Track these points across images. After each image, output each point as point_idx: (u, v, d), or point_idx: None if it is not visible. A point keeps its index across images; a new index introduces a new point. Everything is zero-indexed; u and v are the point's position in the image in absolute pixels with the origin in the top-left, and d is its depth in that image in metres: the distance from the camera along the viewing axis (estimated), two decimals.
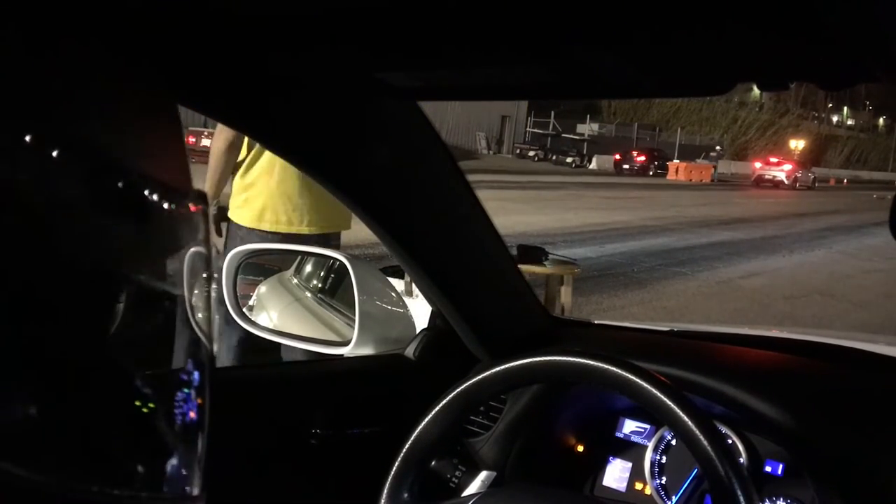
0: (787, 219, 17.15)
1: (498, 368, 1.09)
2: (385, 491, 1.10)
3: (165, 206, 0.37)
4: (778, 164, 35.33)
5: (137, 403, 0.37)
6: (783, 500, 1.16)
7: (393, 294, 1.58)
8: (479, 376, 1.10)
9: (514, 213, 12.28)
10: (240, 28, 0.49)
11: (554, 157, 35.73)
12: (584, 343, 1.42)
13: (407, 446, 1.11)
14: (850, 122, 68.41)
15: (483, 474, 1.22)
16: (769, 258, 10.68)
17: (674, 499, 1.26)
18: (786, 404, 1.12)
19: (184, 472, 0.38)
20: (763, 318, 6.73)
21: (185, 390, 0.39)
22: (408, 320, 1.53)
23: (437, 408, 1.11)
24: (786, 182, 33.76)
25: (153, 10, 0.40)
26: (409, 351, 1.44)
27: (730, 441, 1.19)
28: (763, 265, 10.00)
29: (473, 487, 1.20)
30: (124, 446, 0.37)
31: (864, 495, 1.06)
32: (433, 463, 1.16)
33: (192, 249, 0.39)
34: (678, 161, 35.59)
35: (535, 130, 41.10)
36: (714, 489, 0.93)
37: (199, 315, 0.40)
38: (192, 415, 0.38)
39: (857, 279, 9.54)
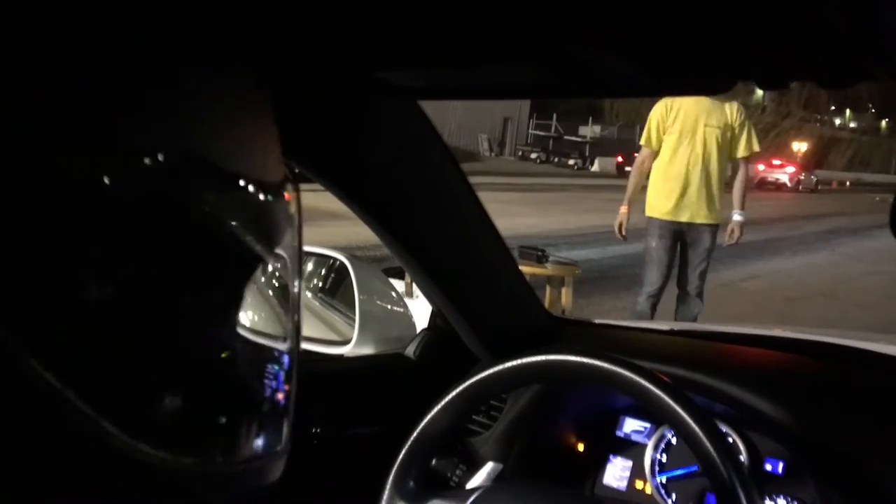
0: (790, 221, 17.12)
1: (500, 367, 1.08)
2: (388, 483, 1.10)
3: (261, 197, 0.40)
4: (780, 166, 35.27)
5: (248, 383, 0.42)
6: (784, 499, 1.16)
7: (393, 294, 1.58)
8: (482, 374, 1.10)
9: (516, 215, 12.26)
10: (239, 28, 0.49)
11: (556, 160, 35.71)
12: (584, 342, 1.42)
13: (410, 441, 1.11)
14: (852, 124, 68.27)
15: (490, 465, 1.22)
16: (771, 260, 10.66)
17: (674, 497, 1.26)
18: (786, 403, 1.12)
19: (276, 434, 0.44)
20: (764, 320, 6.71)
21: (277, 367, 0.44)
22: (408, 320, 1.53)
23: (439, 406, 1.11)
24: (788, 184, 33.69)
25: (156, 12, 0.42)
26: (410, 350, 1.44)
27: (730, 440, 1.19)
28: (765, 267, 9.97)
29: (479, 479, 1.20)
30: (234, 419, 0.42)
31: (864, 494, 1.06)
32: (434, 461, 1.16)
33: (287, 237, 0.43)
34: None
35: (538, 132, 41.04)
36: (715, 488, 0.92)
37: (289, 297, 0.45)
38: (287, 387, 0.44)
39: (859, 281, 9.53)
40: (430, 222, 1.17)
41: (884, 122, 68.94)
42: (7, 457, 0.33)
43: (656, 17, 0.43)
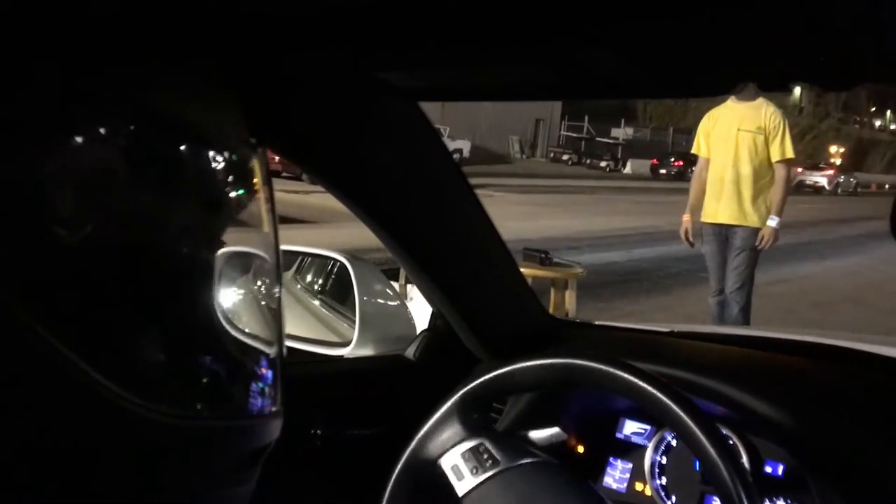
0: (825, 225, 16.84)
1: (499, 372, 1.08)
2: (390, 485, 1.10)
3: (224, 155, 0.44)
4: (819, 168, 34.74)
5: (235, 349, 0.45)
6: (784, 502, 1.15)
7: (393, 295, 1.58)
8: (481, 379, 1.09)
9: (542, 217, 12.22)
10: (239, 28, 0.49)
11: (588, 161, 35.54)
12: (584, 343, 1.43)
13: (412, 446, 1.11)
14: (893, 126, 67.00)
15: (553, 430, 1.17)
16: (802, 265, 10.48)
17: (674, 499, 1.25)
18: (786, 405, 1.12)
19: (268, 396, 0.47)
20: (788, 325, 6.58)
21: (264, 328, 0.47)
22: (408, 321, 1.53)
23: (440, 412, 1.11)
24: (827, 187, 33.09)
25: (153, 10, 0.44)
26: (410, 352, 1.44)
27: (731, 442, 1.18)
28: (795, 271, 9.81)
29: (541, 435, 1.17)
30: (230, 383, 0.45)
31: (865, 496, 1.05)
32: (440, 460, 1.15)
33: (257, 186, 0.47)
34: None
35: (569, 134, 40.89)
36: (716, 491, 0.92)
37: (267, 259, 0.48)
38: (273, 352, 0.47)
39: (892, 286, 9.31)
40: (430, 223, 1.17)
41: None
42: (7, 413, 0.35)
43: (657, 18, 0.43)
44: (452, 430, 1.09)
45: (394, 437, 1.13)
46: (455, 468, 1.11)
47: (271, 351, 0.47)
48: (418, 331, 1.50)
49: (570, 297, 4.79)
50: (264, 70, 0.72)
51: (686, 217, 4.89)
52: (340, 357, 1.48)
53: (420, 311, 1.53)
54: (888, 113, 66.77)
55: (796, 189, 32.67)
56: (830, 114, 54.76)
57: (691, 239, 4.88)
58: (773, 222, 4.63)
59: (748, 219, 4.64)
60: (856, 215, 20.18)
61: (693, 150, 4.96)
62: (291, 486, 1.22)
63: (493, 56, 0.53)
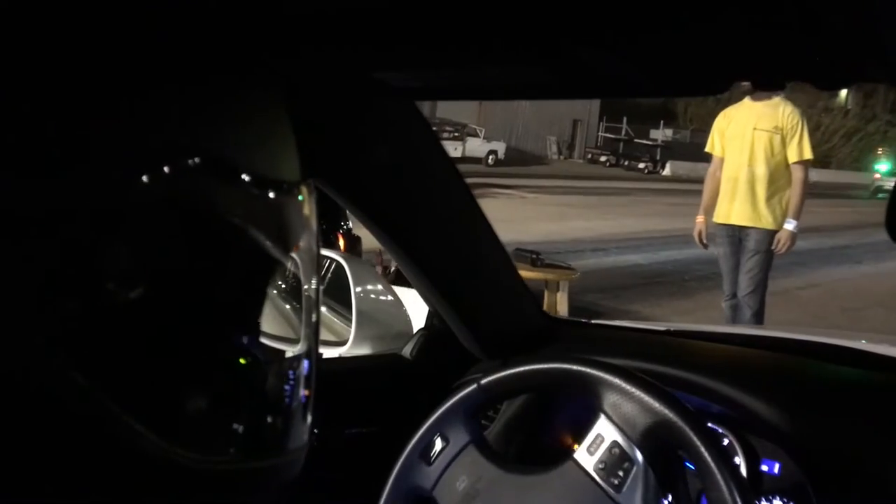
0: (863, 228, 16.40)
1: (497, 376, 1.08)
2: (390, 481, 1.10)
3: (272, 195, 0.41)
4: None
5: (266, 385, 0.43)
6: (780, 500, 1.14)
7: (389, 294, 1.60)
8: (499, 374, 1.09)
9: (573, 218, 12.15)
10: (238, 28, 0.49)
11: (626, 163, 35.12)
12: (580, 343, 1.43)
13: (409, 447, 1.11)
14: None
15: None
16: (836, 268, 10.27)
17: (669, 498, 1.25)
18: (783, 404, 1.12)
19: (302, 429, 0.45)
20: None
21: (295, 368, 0.45)
22: (405, 320, 1.54)
23: (437, 414, 1.10)
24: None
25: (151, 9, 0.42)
26: (406, 351, 1.45)
27: (726, 441, 1.18)
28: (826, 275, 9.61)
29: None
30: (252, 419, 0.42)
31: (861, 495, 1.05)
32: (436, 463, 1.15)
33: (302, 237, 0.43)
34: None
35: (607, 135, 40.46)
36: (710, 492, 0.91)
37: (306, 298, 0.45)
38: (304, 389, 0.45)
39: None
40: (427, 222, 1.17)
41: None
42: (37, 458, 0.34)
43: (657, 18, 0.43)
44: (451, 432, 1.09)
45: (390, 436, 1.13)
46: (456, 468, 1.12)
47: (308, 382, 0.46)
48: (415, 330, 1.51)
49: (561, 299, 4.74)
50: (262, 70, 0.74)
51: (700, 218, 4.78)
52: (337, 356, 1.49)
53: (416, 310, 1.54)
54: None
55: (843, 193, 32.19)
56: (878, 115, 53.51)
57: (704, 241, 4.78)
58: (790, 225, 4.52)
59: (762, 220, 4.53)
60: None
61: (707, 149, 4.85)
62: (288, 485, 1.20)
63: (492, 56, 0.53)
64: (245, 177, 0.39)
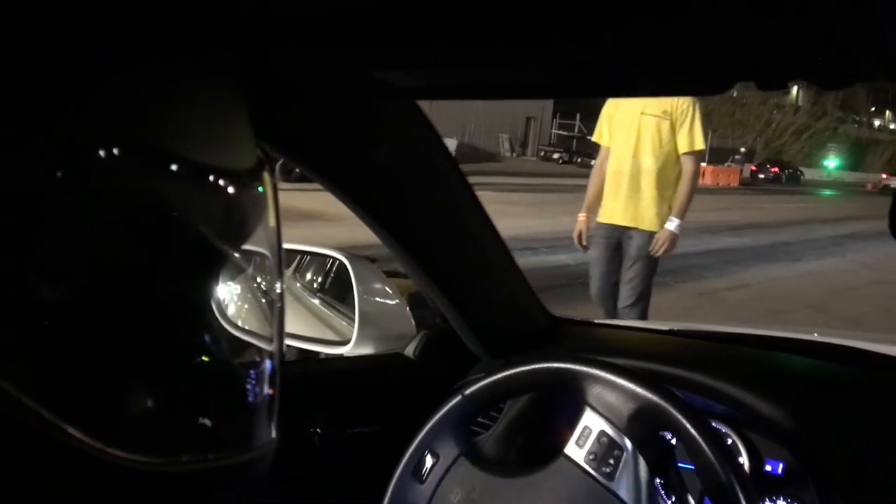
0: (807, 224, 16.42)
1: (480, 385, 1.12)
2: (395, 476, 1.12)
3: (222, 185, 0.38)
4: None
5: (223, 381, 0.41)
6: (783, 500, 1.14)
7: (392, 293, 1.58)
8: (482, 383, 1.12)
9: (511, 216, 11.81)
10: (237, 27, 0.47)
11: (579, 160, 35.08)
12: (583, 342, 1.47)
13: (400, 468, 1.13)
14: (892, 125, 66.50)
15: None
16: (770, 267, 10.06)
17: (673, 498, 1.22)
18: (786, 403, 1.14)
19: (268, 425, 0.43)
20: None
21: (256, 365, 0.43)
22: (407, 319, 1.53)
23: (424, 431, 1.12)
24: None
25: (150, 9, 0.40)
26: (409, 350, 1.46)
27: (730, 440, 1.19)
28: (760, 275, 9.38)
29: None
30: (220, 417, 0.41)
31: (864, 495, 1.06)
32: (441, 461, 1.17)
33: (263, 228, 0.42)
34: (706, 164, 34.81)
35: (561, 132, 40.48)
36: (714, 492, 0.92)
37: (270, 291, 0.44)
38: (269, 389, 0.43)
39: (861, 290, 8.91)
40: (430, 222, 1.18)
41: None
42: None
43: (656, 17, 0.43)
44: (440, 447, 1.12)
45: (393, 435, 1.16)
46: (448, 482, 1.13)
47: (272, 378, 0.43)
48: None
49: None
50: (261, 70, 0.69)
51: (582, 216, 4.13)
52: (340, 355, 1.50)
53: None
54: (888, 112, 66.25)
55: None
56: (828, 112, 54.35)
57: (584, 242, 4.14)
58: (671, 224, 3.88)
59: (645, 221, 3.92)
60: (844, 215, 19.79)
61: (594, 138, 4.22)
62: (290, 485, 1.21)
63: (491, 56, 0.52)
64: (189, 166, 0.37)
